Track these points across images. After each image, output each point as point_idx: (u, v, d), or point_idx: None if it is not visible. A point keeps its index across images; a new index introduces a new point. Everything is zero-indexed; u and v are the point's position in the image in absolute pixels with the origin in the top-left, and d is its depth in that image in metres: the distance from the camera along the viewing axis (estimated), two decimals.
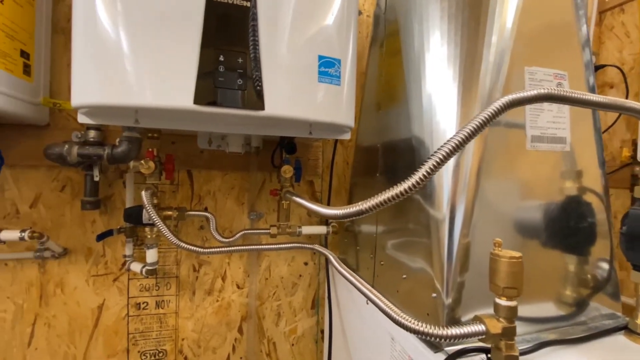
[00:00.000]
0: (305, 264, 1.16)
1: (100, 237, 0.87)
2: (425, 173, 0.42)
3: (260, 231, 0.99)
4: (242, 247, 0.89)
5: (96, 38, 0.56)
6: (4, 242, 0.81)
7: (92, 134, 0.79)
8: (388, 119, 0.81)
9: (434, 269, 0.60)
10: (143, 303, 1.01)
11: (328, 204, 1.11)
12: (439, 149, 0.44)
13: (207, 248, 0.84)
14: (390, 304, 0.58)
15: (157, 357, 1.03)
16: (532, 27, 0.65)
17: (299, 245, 0.95)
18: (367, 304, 0.77)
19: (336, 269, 0.86)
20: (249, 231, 0.99)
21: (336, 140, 1.11)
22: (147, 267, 0.90)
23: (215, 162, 1.04)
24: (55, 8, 0.91)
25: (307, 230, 1.02)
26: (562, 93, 0.45)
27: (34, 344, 0.93)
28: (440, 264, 0.58)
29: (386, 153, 0.81)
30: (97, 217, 0.96)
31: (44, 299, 0.93)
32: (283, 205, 0.95)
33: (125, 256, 0.95)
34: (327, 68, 0.65)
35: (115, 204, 0.98)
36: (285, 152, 0.91)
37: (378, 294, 0.64)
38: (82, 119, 0.62)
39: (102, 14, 0.55)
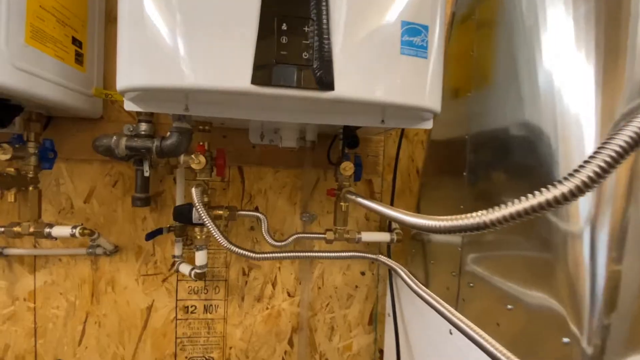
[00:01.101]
0: (362, 273, 1.04)
1: (150, 236, 0.81)
2: (600, 168, 0.27)
3: (315, 235, 0.88)
4: (297, 254, 0.78)
5: (142, 15, 0.48)
6: (57, 238, 0.79)
7: (143, 127, 0.74)
8: (480, 105, 0.65)
9: (565, 304, 0.44)
10: (191, 306, 0.96)
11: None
12: (615, 135, 0.29)
13: (260, 253, 0.75)
14: (501, 347, 0.43)
15: None
16: None
17: (360, 254, 0.82)
18: (451, 334, 0.62)
19: (408, 285, 0.72)
20: (303, 235, 0.88)
21: (401, 133, 0.96)
22: (196, 270, 0.83)
23: (267, 157, 0.95)
24: None
25: (367, 237, 0.89)
26: None
27: (84, 343, 0.91)
28: (576, 298, 0.42)
29: (478, 147, 0.65)
30: (147, 214, 0.92)
31: (95, 296, 0.91)
32: (341, 207, 0.83)
33: (174, 256, 0.90)
34: (412, 37, 0.52)
35: (165, 200, 0.93)
36: (346, 146, 0.78)
37: (476, 328, 0.50)
38: (128, 105, 0.55)
39: None
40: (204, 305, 0.96)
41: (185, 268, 0.87)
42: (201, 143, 0.79)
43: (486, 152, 0.63)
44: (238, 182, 0.96)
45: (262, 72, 0.49)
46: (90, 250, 0.87)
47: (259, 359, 0.99)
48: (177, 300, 0.95)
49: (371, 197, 1.03)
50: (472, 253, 0.65)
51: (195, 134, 0.80)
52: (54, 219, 0.88)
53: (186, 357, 0.96)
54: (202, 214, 0.69)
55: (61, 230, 0.76)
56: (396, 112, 0.60)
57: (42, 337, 0.89)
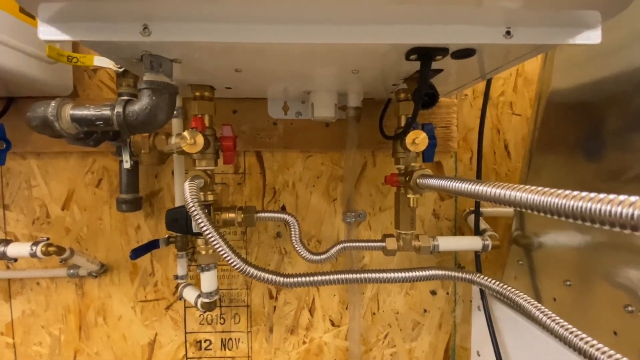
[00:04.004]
0: (433, 293, 0.74)
1: (137, 253, 0.58)
2: None
3: (368, 244, 0.61)
4: (346, 276, 0.51)
5: None
6: (15, 260, 0.58)
7: (142, 84, 0.50)
8: None
9: None
10: (205, 341, 0.72)
11: (476, 209, 0.67)
12: None
13: (290, 277, 0.49)
14: None
15: None
16: None
17: (444, 272, 0.53)
18: None
19: (526, 310, 0.42)
20: (350, 244, 0.61)
21: (487, 87, 0.66)
22: (203, 300, 0.59)
23: (294, 138, 0.69)
24: None
25: (447, 244, 0.60)
26: None
27: None
28: None
29: None
30: (141, 222, 0.70)
31: (83, 330, 0.70)
32: (409, 202, 0.55)
33: (177, 277, 0.67)
34: None
35: (164, 202, 0.70)
36: (421, 104, 0.49)
37: None
38: (45, 32, 0.32)
39: None
40: (221, 340, 0.72)
41: (191, 294, 0.63)
42: (199, 115, 0.55)
43: None
44: (256, 174, 0.71)
45: None
46: (72, 271, 0.67)
47: None
48: (185, 333, 0.72)
49: None
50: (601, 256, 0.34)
51: (189, 105, 0.56)
52: (27, 231, 0.69)
53: None
54: (200, 220, 0.44)
55: (18, 249, 0.55)
56: (533, 8, 0.31)
57: None
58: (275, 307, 0.73)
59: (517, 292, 0.46)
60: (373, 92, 0.64)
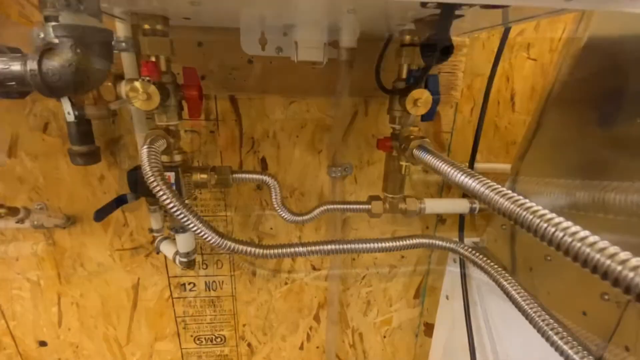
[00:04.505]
0: None
1: (100, 214, 0.53)
2: None
3: (352, 207, 0.58)
4: (329, 247, 0.49)
5: None
6: None
7: (58, 31, 0.37)
8: None
9: None
10: (189, 284, 0.74)
11: (471, 164, 0.63)
12: None
13: (269, 248, 0.47)
14: None
15: (214, 342, 0.80)
16: None
17: (427, 241, 0.52)
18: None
19: (505, 291, 0.44)
20: (334, 206, 0.58)
21: (504, 36, 0.55)
22: (181, 259, 0.57)
23: (274, 79, 0.59)
24: None
25: (434, 206, 0.58)
26: None
27: (65, 324, 0.74)
28: None
29: None
30: (105, 172, 0.63)
31: (63, 276, 0.70)
32: (400, 169, 0.50)
33: (152, 231, 0.64)
34: None
35: (127, 149, 0.62)
36: (437, 55, 0.39)
37: None
38: None
39: None
40: (205, 282, 0.74)
41: (168, 249, 0.61)
42: (150, 57, 0.44)
43: None
44: (231, 121, 0.62)
45: None
46: (36, 222, 0.62)
47: (279, 334, 0.82)
48: (169, 277, 0.73)
49: (435, 139, 0.68)
50: None
51: (140, 40, 0.44)
52: None
53: (192, 336, 0.79)
54: (164, 196, 0.39)
55: None
56: None
57: (12, 319, 0.72)
58: None
59: (503, 274, 0.46)
60: (371, 29, 0.52)
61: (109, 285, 0.72)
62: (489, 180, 0.32)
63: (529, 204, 0.27)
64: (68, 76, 0.30)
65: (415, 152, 0.42)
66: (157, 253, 0.66)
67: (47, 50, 0.31)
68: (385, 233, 0.74)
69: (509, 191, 0.29)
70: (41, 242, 0.66)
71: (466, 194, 0.64)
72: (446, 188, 0.72)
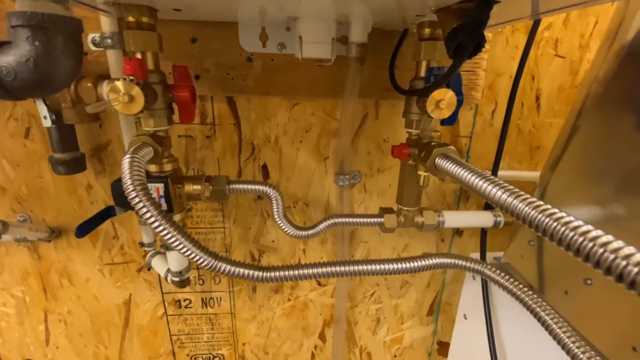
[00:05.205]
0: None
1: (84, 229, 0.48)
2: None
3: (361, 220, 0.52)
4: (339, 268, 0.43)
5: None
6: None
7: (12, 19, 0.31)
8: None
9: None
10: (184, 300, 0.69)
11: (494, 173, 0.57)
12: None
13: (267, 270, 0.41)
14: None
15: None
16: None
17: (450, 260, 0.46)
18: None
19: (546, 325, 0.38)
20: (342, 219, 0.52)
21: (533, 30, 0.49)
22: (173, 278, 0.52)
23: (276, 79, 0.53)
24: None
25: (455, 219, 0.52)
26: None
27: (53, 342, 0.69)
28: None
29: None
30: (92, 180, 0.58)
31: (49, 291, 0.65)
32: (419, 179, 0.44)
33: (142, 244, 0.59)
34: None
35: (115, 156, 0.57)
36: (458, 53, 0.33)
37: None
38: None
39: None
40: (202, 299, 0.69)
41: (160, 265, 0.56)
42: (135, 53, 0.38)
43: None
44: (229, 125, 0.57)
45: None
46: (18, 236, 0.57)
47: (282, 353, 0.76)
48: (163, 293, 0.68)
49: (452, 145, 0.62)
50: None
51: (124, 35, 0.39)
52: None
53: (188, 355, 0.74)
54: (147, 213, 0.33)
55: None
56: None
57: None
58: None
59: (538, 301, 0.40)
60: (384, 21, 0.46)
61: (98, 301, 0.67)
62: (541, 202, 0.26)
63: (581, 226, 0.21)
64: (26, 74, 0.25)
65: (439, 161, 0.37)
66: (149, 269, 0.61)
67: (2, 43, 0.26)
68: (397, 247, 0.69)
69: (566, 214, 0.23)
70: (25, 256, 0.62)
71: (491, 205, 0.57)
72: (464, 197, 0.66)
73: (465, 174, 0.31)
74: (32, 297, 0.65)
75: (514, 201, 0.26)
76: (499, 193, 0.28)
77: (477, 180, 0.30)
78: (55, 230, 0.59)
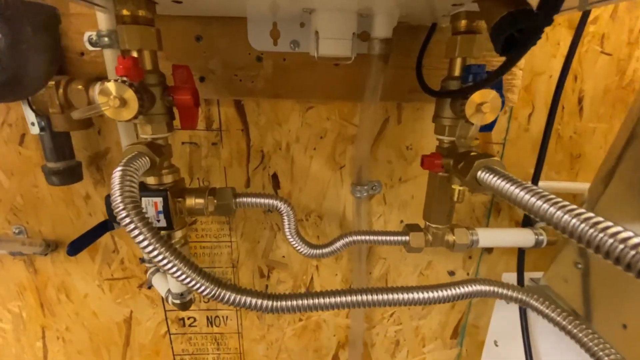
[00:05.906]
0: (451, 273, 0.64)
1: (76, 247, 0.44)
2: None
3: (385, 238, 0.46)
4: (360, 297, 0.38)
5: None
6: None
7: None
8: None
9: None
10: (189, 318, 0.64)
11: (533, 183, 0.50)
12: None
13: (277, 299, 0.36)
14: None
15: None
16: None
17: (489, 288, 0.40)
18: None
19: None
20: (361, 237, 0.46)
21: (581, 23, 0.43)
22: (174, 300, 0.47)
23: (288, 80, 0.48)
24: None
25: (490, 238, 0.45)
26: None
27: None
28: None
29: None
30: (90, 189, 0.54)
31: (46, 307, 0.61)
32: (453, 194, 0.39)
33: (143, 260, 0.54)
34: None
35: (115, 165, 0.53)
36: (505, 45, 0.28)
37: None
38: None
39: None
40: (207, 317, 0.64)
41: (161, 284, 0.51)
42: (131, 51, 0.34)
43: None
44: (237, 131, 0.52)
45: None
46: (12, 250, 0.54)
47: None
48: (165, 311, 0.63)
49: (484, 151, 0.56)
50: None
51: (118, 30, 0.35)
52: None
53: None
54: (139, 235, 0.29)
55: None
56: None
57: None
58: (267, 285, 0.63)
59: (595, 338, 0.33)
60: (412, 14, 0.41)
61: (97, 318, 0.63)
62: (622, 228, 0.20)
63: None
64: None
65: (482, 175, 0.31)
66: (149, 288, 0.56)
67: None
68: (420, 264, 0.62)
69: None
70: (21, 270, 0.58)
71: (529, 220, 0.51)
72: (494, 210, 0.59)
73: (521, 193, 0.26)
74: (29, 313, 0.61)
75: (594, 232, 0.20)
76: (576, 222, 0.22)
77: (537, 201, 0.24)
78: (51, 244, 0.55)
